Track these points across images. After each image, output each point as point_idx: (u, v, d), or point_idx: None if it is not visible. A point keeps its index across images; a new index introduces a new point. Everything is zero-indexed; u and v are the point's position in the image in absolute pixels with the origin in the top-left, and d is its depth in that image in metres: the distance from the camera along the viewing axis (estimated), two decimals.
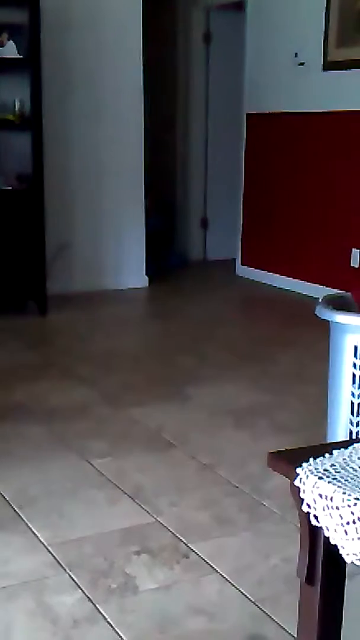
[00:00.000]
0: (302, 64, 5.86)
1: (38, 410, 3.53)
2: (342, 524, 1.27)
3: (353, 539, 1.25)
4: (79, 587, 2.17)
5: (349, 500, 1.26)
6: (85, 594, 2.14)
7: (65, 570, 2.25)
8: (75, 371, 4.12)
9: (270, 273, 6.28)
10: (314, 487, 1.32)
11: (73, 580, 2.20)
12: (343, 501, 1.27)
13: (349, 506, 1.26)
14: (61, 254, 5.70)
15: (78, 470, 2.92)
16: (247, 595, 2.15)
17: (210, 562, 2.30)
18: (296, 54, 5.89)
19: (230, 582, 2.21)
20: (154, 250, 6.36)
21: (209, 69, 7.21)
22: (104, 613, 2.06)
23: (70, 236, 5.82)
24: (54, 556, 2.32)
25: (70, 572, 2.24)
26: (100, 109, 5.81)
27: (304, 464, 1.37)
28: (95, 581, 2.20)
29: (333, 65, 5.61)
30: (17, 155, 5.24)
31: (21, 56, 5.08)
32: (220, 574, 2.25)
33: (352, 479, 1.32)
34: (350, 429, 2.87)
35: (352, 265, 5.61)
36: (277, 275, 6.21)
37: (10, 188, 5.12)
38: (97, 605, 2.09)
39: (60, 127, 5.57)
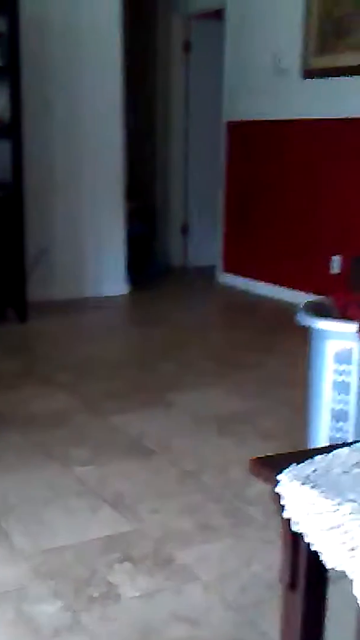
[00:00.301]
0: (281, 70, 5.89)
1: (18, 419, 3.51)
2: (323, 530, 1.27)
3: (335, 545, 1.24)
4: (60, 596, 2.16)
5: (329, 505, 1.26)
6: (66, 603, 2.13)
7: (45, 579, 2.24)
8: (55, 379, 4.10)
9: (251, 280, 6.29)
10: (295, 493, 1.32)
11: (54, 589, 2.19)
12: (325, 507, 1.27)
13: (330, 512, 1.26)
14: (41, 260, 5.68)
15: (59, 479, 2.91)
16: (230, 602, 2.14)
17: (192, 569, 2.30)
18: (276, 61, 5.92)
19: (212, 589, 2.20)
20: (135, 257, 6.36)
21: (189, 77, 7.24)
22: (85, 622, 2.04)
23: (50, 243, 5.81)
24: (34, 565, 2.31)
25: (51, 581, 2.23)
26: (80, 117, 5.81)
27: (286, 470, 1.37)
28: (76, 590, 2.18)
29: (312, 72, 5.65)
30: None
31: (0, 64, 5.07)
32: (203, 581, 2.24)
33: (333, 484, 1.32)
34: (331, 435, 2.88)
35: (332, 271, 5.64)
36: (258, 282, 6.23)
37: None
38: (78, 615, 2.07)
39: (41, 134, 5.56)
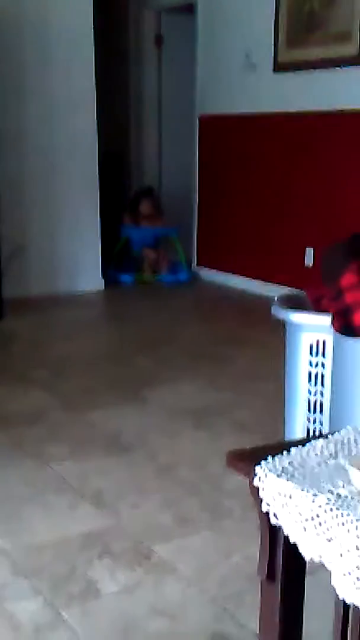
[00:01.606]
0: (252, 64, 5.90)
1: None
2: (300, 521, 1.27)
3: (311, 536, 1.25)
4: (40, 593, 2.15)
5: (305, 497, 1.27)
6: (46, 600, 2.12)
7: (25, 576, 2.23)
8: (31, 376, 4.09)
9: (226, 273, 6.31)
10: (272, 485, 1.33)
11: (34, 586, 2.18)
12: (301, 498, 1.27)
13: (306, 503, 1.26)
14: (16, 257, 5.65)
15: (37, 475, 2.89)
16: (210, 595, 2.15)
17: (172, 563, 2.30)
18: (247, 55, 5.93)
19: (192, 582, 2.21)
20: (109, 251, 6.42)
21: (161, 71, 7.23)
22: (66, 618, 2.04)
23: (25, 240, 5.78)
24: (13, 562, 2.30)
25: (31, 578, 2.22)
26: (53, 115, 5.78)
27: (262, 463, 1.37)
28: (56, 586, 2.18)
29: (283, 66, 5.66)
30: None
31: None
32: (182, 574, 2.25)
33: (309, 476, 1.33)
34: (307, 426, 2.90)
35: (306, 264, 5.66)
36: (233, 275, 6.24)
37: None
38: (59, 611, 2.07)
39: (14, 132, 5.54)
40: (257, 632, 1.49)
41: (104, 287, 6.17)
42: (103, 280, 6.18)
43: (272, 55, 5.73)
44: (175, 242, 6.52)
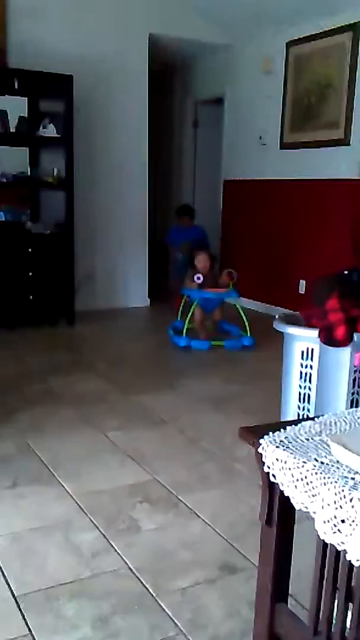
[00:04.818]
0: (264, 144, 5.91)
1: (67, 396, 3.53)
2: (293, 481, 1.27)
3: (300, 492, 1.25)
4: (97, 527, 2.16)
5: (297, 463, 1.26)
6: (101, 532, 2.13)
7: (86, 514, 2.25)
8: (95, 368, 4.12)
9: (242, 297, 6.29)
10: (272, 453, 1.33)
11: (92, 522, 2.20)
12: (293, 464, 1.27)
13: (297, 467, 1.26)
14: (85, 282, 5.70)
15: (96, 441, 2.92)
16: (222, 535, 2.15)
17: (194, 510, 2.31)
18: (260, 137, 5.94)
19: (209, 525, 2.21)
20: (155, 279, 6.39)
21: (196, 146, 7.25)
22: (115, 547, 2.05)
23: (93, 270, 5.83)
24: (78, 504, 2.32)
25: (90, 516, 2.24)
26: (115, 174, 5.82)
27: (265, 437, 1.37)
28: (108, 523, 2.19)
29: (287, 145, 5.67)
30: (55, 208, 5.25)
31: (58, 135, 5.09)
32: (202, 519, 2.25)
33: (300, 447, 1.33)
34: (298, 412, 2.89)
35: (300, 292, 5.63)
36: (247, 299, 6.22)
37: (49, 232, 5.13)
38: (110, 541, 2.08)
39: (87, 187, 5.58)
40: (257, 563, 1.48)
41: (149, 304, 6.18)
42: (149, 299, 6.19)
43: (279, 137, 5.73)
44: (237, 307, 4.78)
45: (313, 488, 1.21)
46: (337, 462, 1.25)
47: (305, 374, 2.82)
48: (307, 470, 1.24)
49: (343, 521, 1.14)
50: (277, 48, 5.65)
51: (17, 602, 1.77)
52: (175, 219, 6.14)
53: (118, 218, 5.90)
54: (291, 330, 2.83)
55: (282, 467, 1.29)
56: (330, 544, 1.25)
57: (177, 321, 4.99)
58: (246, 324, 4.56)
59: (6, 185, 5.03)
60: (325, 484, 1.19)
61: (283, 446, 1.32)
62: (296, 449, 1.31)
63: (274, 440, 1.35)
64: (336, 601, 1.30)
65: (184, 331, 4.56)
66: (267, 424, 1.46)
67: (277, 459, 1.31)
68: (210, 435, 3.02)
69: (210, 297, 4.72)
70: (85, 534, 2.12)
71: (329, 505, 1.17)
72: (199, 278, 4.65)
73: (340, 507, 1.14)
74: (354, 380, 2.78)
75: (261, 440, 1.35)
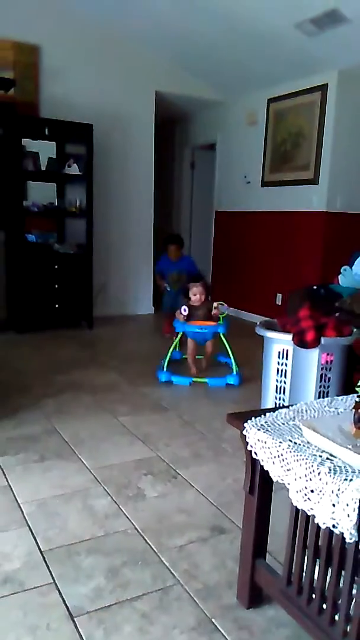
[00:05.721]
0: (248, 182, 5.92)
1: (87, 386, 3.52)
2: (271, 458, 1.27)
3: (277, 467, 1.25)
4: (109, 494, 2.16)
5: (274, 442, 1.26)
6: (113, 499, 2.13)
7: (101, 484, 2.24)
8: (109, 363, 4.11)
9: (232, 308, 6.29)
10: (254, 435, 1.33)
11: (105, 490, 2.19)
12: (272, 444, 1.27)
13: (275, 446, 1.26)
14: (102, 291, 5.70)
15: (110, 424, 2.92)
16: (212, 502, 2.14)
17: (189, 481, 2.30)
18: (245, 176, 5.95)
19: (202, 494, 2.20)
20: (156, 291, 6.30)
21: (193, 184, 7.26)
22: (124, 511, 2.04)
23: (107, 280, 5.82)
24: (94, 476, 2.32)
25: (104, 486, 2.23)
26: (126, 205, 5.83)
27: (249, 421, 1.37)
28: (119, 491, 2.19)
29: (268, 183, 5.68)
30: (77, 232, 5.25)
31: (80, 173, 5.10)
32: (196, 489, 2.24)
33: (277, 430, 1.33)
34: (275, 401, 2.88)
35: (276, 303, 5.64)
36: (235, 309, 6.23)
37: (72, 252, 5.13)
38: (120, 506, 2.07)
39: (103, 215, 5.59)
40: (241, 525, 1.48)
41: (153, 312, 6.17)
42: (153, 308, 6.18)
43: (261, 176, 5.74)
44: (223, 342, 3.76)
45: (288, 464, 1.21)
46: (308, 442, 1.25)
47: (282, 370, 2.82)
48: (283, 449, 1.24)
49: (312, 491, 1.14)
50: (260, 104, 5.68)
51: (43, 556, 1.76)
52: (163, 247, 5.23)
53: (128, 241, 5.91)
54: (270, 334, 2.84)
55: (263, 446, 1.29)
56: (302, 510, 1.26)
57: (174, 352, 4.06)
58: (232, 360, 3.64)
59: (38, 214, 5.04)
60: (297, 461, 1.19)
61: (263, 429, 1.33)
62: (274, 431, 1.31)
63: (256, 424, 1.36)
64: (306, 557, 1.29)
65: (165, 366, 3.65)
66: (250, 410, 1.47)
67: (258, 440, 1.31)
68: (204, 420, 3.01)
69: (195, 331, 3.71)
70: (99, 500, 2.12)
71: (300, 478, 1.17)
72: (185, 310, 3.69)
73: (310, 479, 1.14)
74: (321, 376, 2.78)
75: (245, 424, 1.36)
